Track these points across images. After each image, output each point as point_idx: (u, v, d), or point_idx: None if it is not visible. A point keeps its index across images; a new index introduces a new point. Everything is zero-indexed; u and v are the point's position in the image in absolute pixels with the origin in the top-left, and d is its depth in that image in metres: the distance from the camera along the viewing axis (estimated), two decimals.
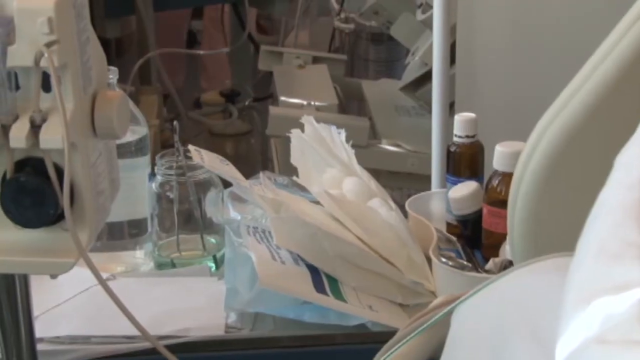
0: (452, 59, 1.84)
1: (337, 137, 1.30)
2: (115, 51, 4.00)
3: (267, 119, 2.44)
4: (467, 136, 1.25)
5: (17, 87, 0.88)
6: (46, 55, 0.85)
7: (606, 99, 0.86)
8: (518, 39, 1.77)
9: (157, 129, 2.80)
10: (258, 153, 3.24)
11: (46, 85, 0.88)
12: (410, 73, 2.36)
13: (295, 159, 1.28)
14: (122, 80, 3.03)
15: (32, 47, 0.85)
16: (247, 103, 3.36)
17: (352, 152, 1.28)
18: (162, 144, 2.82)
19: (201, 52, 3.40)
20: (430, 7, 1.84)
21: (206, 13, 3.67)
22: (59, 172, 0.87)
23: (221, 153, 3.31)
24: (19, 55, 0.86)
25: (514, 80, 1.79)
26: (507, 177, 1.15)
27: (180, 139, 1.31)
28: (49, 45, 0.85)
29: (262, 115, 2.97)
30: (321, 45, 3.54)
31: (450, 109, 1.86)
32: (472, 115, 1.26)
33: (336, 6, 3.37)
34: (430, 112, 1.84)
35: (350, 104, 2.83)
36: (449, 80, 1.81)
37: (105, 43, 3.12)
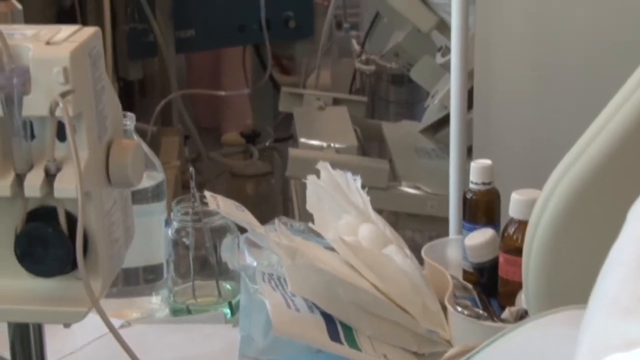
0: (470, 104, 1.84)
1: (352, 184, 1.30)
2: (138, 92, 4.04)
3: (287, 159, 2.45)
4: (484, 183, 1.25)
5: (33, 136, 0.89)
6: (61, 105, 0.85)
7: (620, 151, 0.86)
8: (535, 85, 1.77)
9: (178, 170, 2.81)
10: (278, 194, 3.25)
11: (61, 134, 0.88)
12: (430, 116, 2.37)
13: (311, 206, 1.28)
14: (144, 120, 3.07)
15: (48, 96, 0.86)
16: (267, 144, 3.37)
17: (367, 198, 1.28)
18: (183, 184, 2.83)
19: (223, 93, 3.42)
20: (450, 50, 1.84)
21: (228, 54, 3.70)
22: (73, 221, 0.87)
23: (241, 193, 3.33)
24: (35, 105, 0.86)
25: (530, 126, 1.79)
26: (523, 225, 1.14)
27: (200, 180, 1.31)
28: (64, 95, 0.86)
29: (283, 156, 2.98)
30: (342, 85, 3.56)
31: (468, 153, 1.86)
32: (488, 162, 1.26)
33: (357, 48, 3.39)
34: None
35: (370, 146, 2.83)
36: (467, 124, 1.81)
37: (128, 85, 3.17)
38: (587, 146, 0.90)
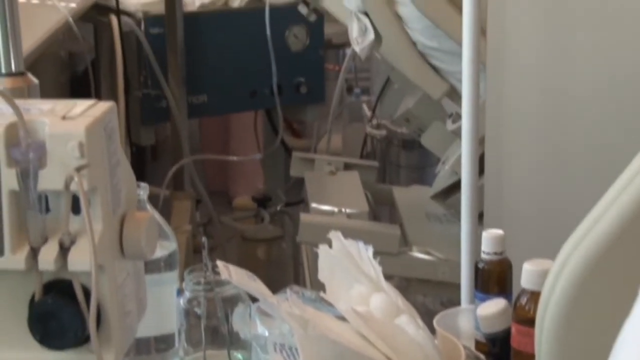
0: (481, 170, 1.85)
1: (364, 253, 1.30)
2: (149, 155, 4.07)
3: (298, 224, 2.46)
4: (495, 253, 1.25)
5: (47, 210, 0.90)
6: (76, 179, 0.86)
7: (631, 225, 0.86)
8: (547, 153, 1.78)
9: (189, 234, 2.81)
10: (289, 258, 3.24)
11: (76, 207, 0.89)
12: (441, 181, 2.37)
13: (322, 275, 1.28)
14: (156, 183, 3.08)
15: (63, 170, 0.87)
16: (278, 208, 3.38)
17: (379, 268, 1.28)
18: (194, 248, 2.83)
19: (234, 158, 3.44)
20: (461, 117, 1.86)
21: (240, 118, 3.72)
22: (86, 293, 0.88)
23: (252, 257, 3.32)
24: (50, 179, 0.87)
25: (542, 194, 1.79)
26: (535, 295, 1.14)
27: (211, 243, 1.31)
28: (79, 169, 0.87)
29: (294, 220, 2.98)
30: (353, 149, 3.58)
31: (480, 219, 1.86)
32: (500, 232, 1.26)
33: (368, 113, 3.41)
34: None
35: (381, 211, 2.83)
36: (478, 191, 1.82)
37: (140, 149, 3.18)
38: (599, 219, 0.91)
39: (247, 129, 3.62)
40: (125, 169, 0.98)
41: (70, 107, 0.91)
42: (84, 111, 0.91)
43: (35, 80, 1.24)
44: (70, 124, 0.88)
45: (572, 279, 0.89)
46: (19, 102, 0.89)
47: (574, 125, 1.73)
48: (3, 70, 1.23)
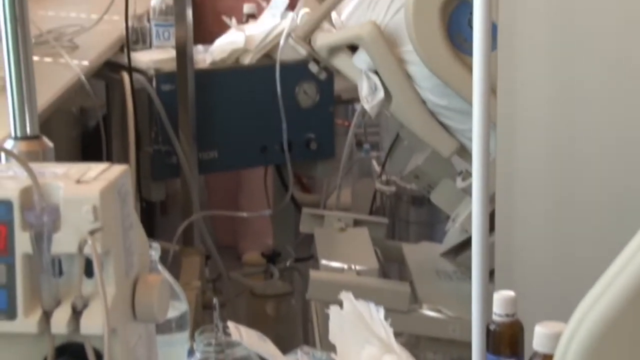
0: (491, 227, 1.85)
1: (375, 314, 1.30)
2: (159, 210, 4.07)
3: (308, 281, 2.45)
4: (507, 315, 1.25)
5: (61, 273, 0.90)
6: (90, 242, 0.87)
7: None
8: (557, 211, 1.78)
9: (199, 291, 2.81)
10: (299, 314, 3.23)
11: (89, 270, 0.90)
12: (451, 239, 2.37)
13: (333, 336, 1.27)
14: (165, 238, 3.09)
15: (77, 234, 0.88)
16: (288, 264, 3.37)
17: (390, 330, 1.27)
18: (203, 305, 2.83)
19: (244, 214, 3.44)
20: (470, 174, 1.86)
21: (249, 174, 3.74)
22: (99, 356, 0.88)
23: (262, 313, 3.31)
24: (64, 243, 0.88)
25: (553, 253, 1.79)
26: (547, 358, 1.13)
27: (221, 299, 1.31)
28: (93, 232, 0.87)
29: (304, 276, 2.98)
30: (363, 205, 3.58)
31: (490, 276, 1.85)
32: (511, 293, 1.26)
33: (377, 169, 3.42)
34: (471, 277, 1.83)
35: (391, 268, 2.83)
36: (488, 248, 1.81)
37: (149, 204, 3.18)
38: (613, 280, 0.91)
39: (257, 185, 3.63)
40: (138, 231, 0.99)
41: (85, 171, 0.92)
42: (98, 175, 0.91)
43: (50, 144, 1.25)
44: (84, 187, 0.89)
45: (585, 342, 0.89)
46: (34, 165, 0.90)
47: (584, 184, 1.73)
48: (18, 134, 1.24)
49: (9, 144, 1.26)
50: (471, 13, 1.80)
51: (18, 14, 1.35)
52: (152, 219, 3.82)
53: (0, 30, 1.39)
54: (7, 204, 0.87)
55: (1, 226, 0.87)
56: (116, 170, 0.93)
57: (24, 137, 1.24)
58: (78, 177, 0.90)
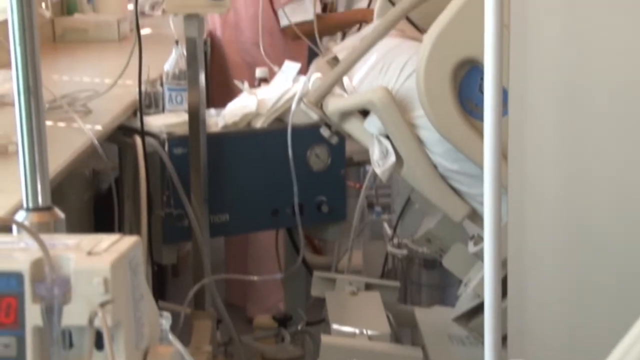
0: (504, 292, 1.84)
1: None
2: (171, 272, 4.07)
3: (319, 345, 2.44)
4: None
5: (71, 345, 0.90)
6: (100, 315, 0.86)
7: None
8: (570, 277, 1.77)
9: (210, 355, 2.79)
10: None
11: (99, 343, 0.89)
12: (463, 304, 2.36)
13: None
14: (176, 300, 3.08)
15: (87, 306, 0.87)
16: (299, 327, 3.35)
17: None
18: None
19: (255, 278, 3.43)
20: (482, 239, 1.85)
21: (260, 237, 3.73)
22: None
23: None
24: (75, 315, 0.88)
25: (566, 318, 1.78)
26: None
27: None
28: (103, 304, 0.87)
29: (315, 341, 2.96)
30: (374, 268, 3.57)
31: (503, 342, 1.84)
32: None
33: (389, 231, 3.41)
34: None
35: (403, 332, 2.81)
36: (501, 313, 1.80)
37: (161, 267, 3.17)
38: (627, 352, 0.90)
39: (268, 248, 3.62)
40: (148, 301, 0.99)
41: (96, 242, 0.92)
42: (109, 246, 0.91)
43: (61, 215, 1.25)
44: (95, 259, 0.89)
45: None
46: (45, 237, 0.90)
47: (597, 250, 1.73)
48: (30, 205, 1.25)
49: (20, 216, 1.27)
50: (482, 79, 1.82)
51: (32, 85, 1.37)
52: (163, 281, 3.82)
53: (13, 102, 1.40)
54: (18, 276, 0.87)
55: (12, 299, 0.87)
56: (127, 241, 0.93)
57: (36, 209, 1.24)
58: (89, 249, 0.90)
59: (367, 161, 2.79)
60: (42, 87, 1.42)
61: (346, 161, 3.29)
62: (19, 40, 1.39)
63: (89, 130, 2.50)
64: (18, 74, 1.36)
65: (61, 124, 2.57)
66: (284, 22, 3.79)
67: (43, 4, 3.75)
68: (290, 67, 3.10)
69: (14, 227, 1.16)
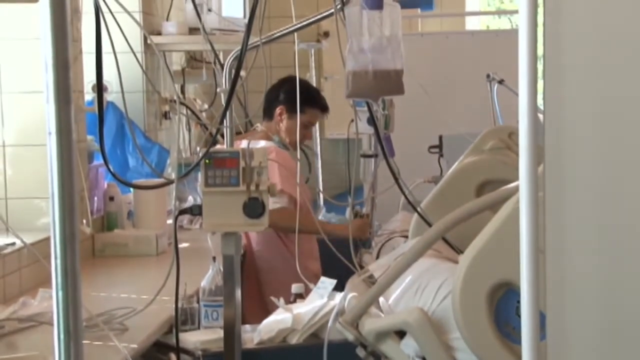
0: None
1: None
2: None
3: None
4: None
5: None
6: None
7: None
8: None
9: None
10: None
11: None
12: None
13: None
14: None
15: None
16: None
17: None
18: None
19: None
20: None
21: None
22: None
23: None
24: None
25: None
26: None
27: None
28: None
29: None
30: None
31: None
32: None
33: None
34: None
35: None
36: None
37: None
38: None
39: None
40: None
41: None
42: None
43: None
44: None
45: None
46: None
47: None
48: None
49: None
50: (518, 302, 1.81)
51: (71, 307, 1.37)
52: None
53: (51, 321, 1.41)
54: None
55: None
56: None
57: None
58: None
59: None
60: (81, 306, 1.43)
61: None
62: (61, 255, 1.42)
63: (123, 348, 2.50)
64: (58, 290, 1.38)
65: (97, 343, 2.57)
66: None
67: (84, 221, 3.83)
68: (326, 282, 3.12)
69: None
